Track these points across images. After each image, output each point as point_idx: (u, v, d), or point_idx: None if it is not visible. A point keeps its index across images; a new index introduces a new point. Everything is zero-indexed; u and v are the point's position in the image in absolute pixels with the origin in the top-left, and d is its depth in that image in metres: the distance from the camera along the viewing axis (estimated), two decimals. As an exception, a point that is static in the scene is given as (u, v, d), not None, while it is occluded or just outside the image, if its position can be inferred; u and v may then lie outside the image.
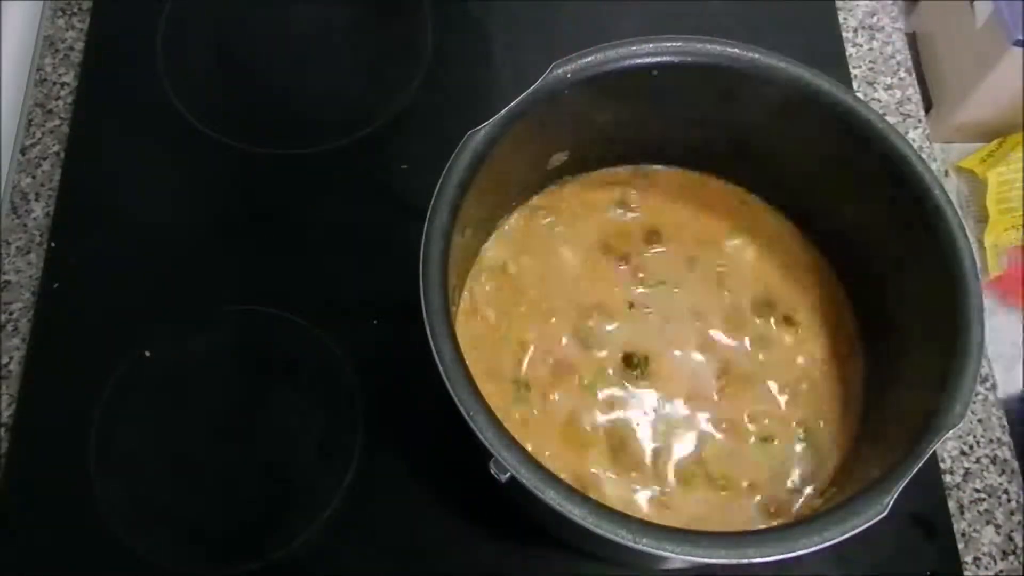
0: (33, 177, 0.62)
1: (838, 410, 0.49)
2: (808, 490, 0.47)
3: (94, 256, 0.59)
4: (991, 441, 0.55)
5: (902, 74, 0.67)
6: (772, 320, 0.51)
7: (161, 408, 0.55)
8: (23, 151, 0.62)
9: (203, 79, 0.65)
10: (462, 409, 0.38)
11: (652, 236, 0.53)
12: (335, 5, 0.68)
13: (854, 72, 0.66)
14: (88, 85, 0.64)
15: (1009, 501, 0.53)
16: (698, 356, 0.50)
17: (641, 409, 0.49)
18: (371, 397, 0.54)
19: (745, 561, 0.36)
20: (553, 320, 0.51)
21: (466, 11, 0.68)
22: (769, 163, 0.51)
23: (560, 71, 0.45)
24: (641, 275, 0.52)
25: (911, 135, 0.64)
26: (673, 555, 0.36)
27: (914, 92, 0.66)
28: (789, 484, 0.47)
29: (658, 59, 0.45)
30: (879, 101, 0.65)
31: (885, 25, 0.69)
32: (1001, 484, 0.54)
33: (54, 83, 0.65)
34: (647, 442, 0.48)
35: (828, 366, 0.50)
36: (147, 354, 0.55)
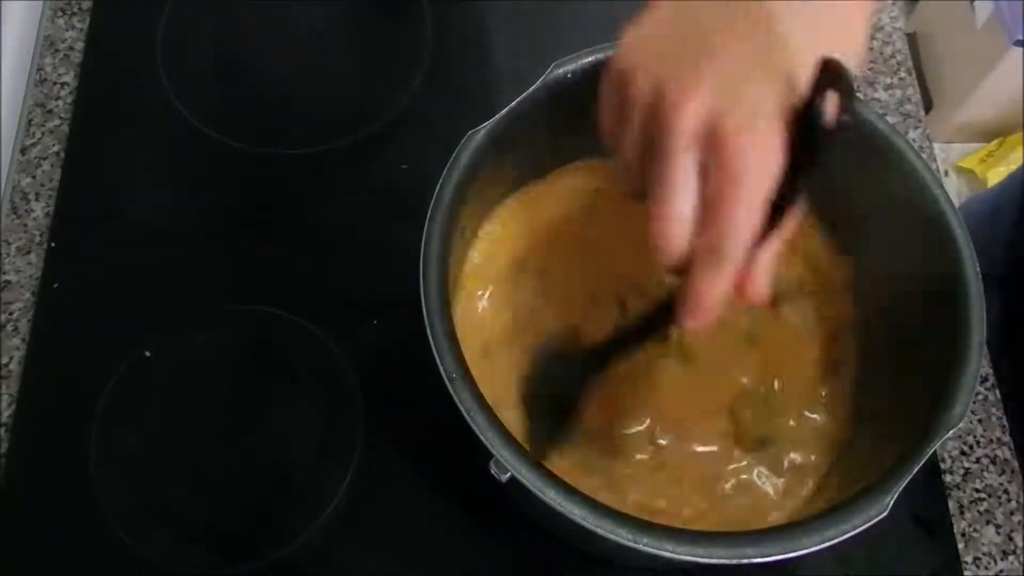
0: (33, 177, 0.62)
1: (838, 409, 0.49)
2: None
3: (94, 256, 0.59)
4: (991, 441, 0.55)
5: (902, 74, 0.67)
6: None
7: (161, 408, 0.55)
8: (23, 151, 0.62)
9: (203, 79, 0.65)
10: (462, 409, 0.38)
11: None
12: (335, 5, 0.68)
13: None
14: (88, 85, 0.64)
15: (1009, 501, 0.53)
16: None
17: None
18: (371, 397, 0.54)
19: (745, 561, 0.36)
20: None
21: (466, 11, 0.68)
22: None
23: (560, 71, 0.45)
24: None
25: (911, 135, 0.64)
26: (673, 555, 0.36)
27: (914, 92, 0.66)
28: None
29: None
30: (879, 101, 0.65)
31: (885, 25, 0.69)
32: (1001, 484, 0.54)
33: (54, 83, 0.65)
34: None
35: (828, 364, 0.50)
36: (147, 354, 0.55)
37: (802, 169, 0.31)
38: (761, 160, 0.30)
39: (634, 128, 0.34)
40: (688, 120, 0.31)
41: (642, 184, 0.35)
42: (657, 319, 0.40)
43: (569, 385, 0.46)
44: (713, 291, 0.33)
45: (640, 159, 0.35)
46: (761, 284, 0.33)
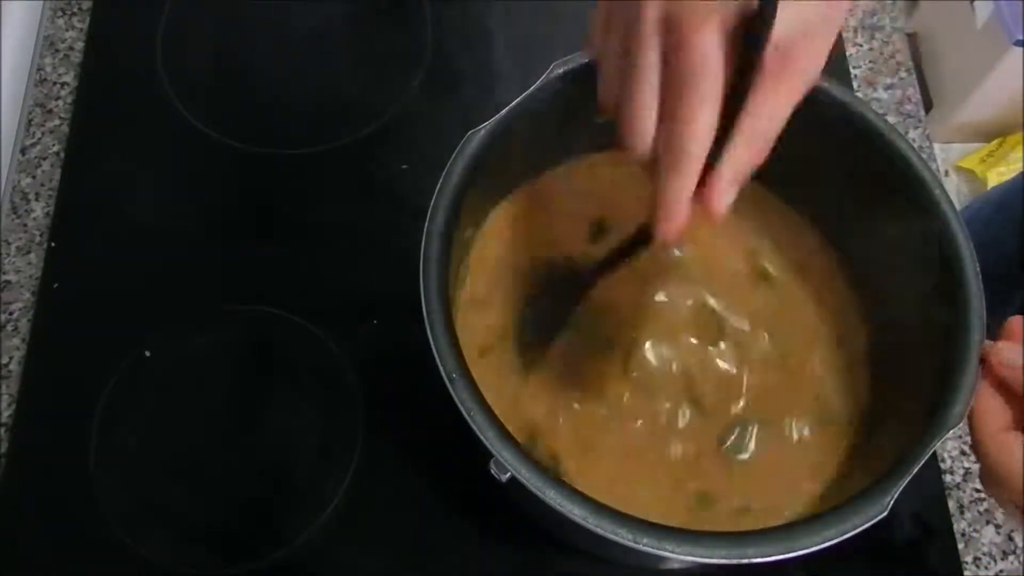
0: (33, 177, 0.62)
1: (839, 410, 0.49)
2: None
3: (94, 256, 0.59)
4: (991, 441, 0.55)
5: (902, 74, 0.67)
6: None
7: (161, 408, 0.55)
8: (23, 151, 0.62)
9: (203, 79, 0.65)
10: (462, 409, 0.38)
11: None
12: (335, 5, 0.68)
13: (854, 72, 0.66)
14: (88, 85, 0.64)
15: (1009, 501, 0.53)
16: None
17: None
18: (371, 397, 0.54)
19: (745, 561, 0.36)
20: None
21: (466, 11, 0.68)
22: (771, 158, 0.51)
23: (560, 71, 0.45)
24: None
25: (911, 135, 0.64)
26: (673, 555, 0.36)
27: (914, 92, 0.66)
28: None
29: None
30: (879, 101, 0.65)
31: (885, 25, 0.69)
32: (1001, 484, 0.54)
33: (54, 83, 0.65)
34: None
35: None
36: (147, 354, 0.55)
37: (745, 85, 0.32)
38: (713, 59, 0.32)
39: (614, 37, 0.37)
40: (650, 9, 0.33)
41: (617, 91, 0.36)
42: (636, 241, 0.42)
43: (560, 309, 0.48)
44: (678, 191, 0.34)
45: (618, 67, 0.37)
46: (720, 197, 0.34)
